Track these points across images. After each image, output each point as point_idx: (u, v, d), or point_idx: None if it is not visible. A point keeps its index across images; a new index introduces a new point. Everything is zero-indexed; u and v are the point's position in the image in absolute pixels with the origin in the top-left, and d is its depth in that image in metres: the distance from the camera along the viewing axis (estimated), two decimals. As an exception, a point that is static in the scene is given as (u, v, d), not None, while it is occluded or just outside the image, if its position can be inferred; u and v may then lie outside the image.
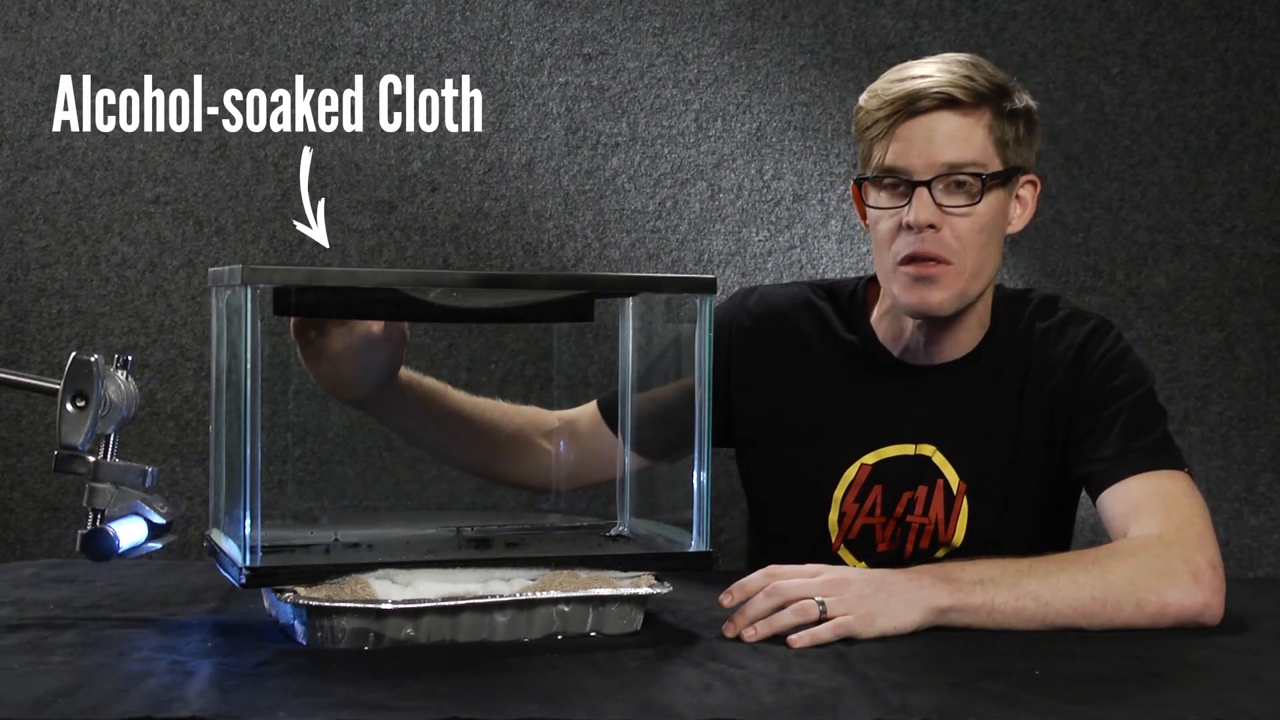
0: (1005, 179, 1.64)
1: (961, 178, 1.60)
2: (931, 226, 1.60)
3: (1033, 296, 1.76)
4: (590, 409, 1.75)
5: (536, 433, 1.73)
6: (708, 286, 1.46)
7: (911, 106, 1.61)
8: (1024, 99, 1.67)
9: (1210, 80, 2.42)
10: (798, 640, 1.32)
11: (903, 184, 1.62)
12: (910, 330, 1.72)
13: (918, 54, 2.38)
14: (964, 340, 1.72)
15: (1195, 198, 2.42)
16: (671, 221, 2.40)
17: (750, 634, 1.34)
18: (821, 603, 1.34)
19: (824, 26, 2.41)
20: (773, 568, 1.39)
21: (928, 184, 1.60)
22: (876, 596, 1.35)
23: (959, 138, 1.61)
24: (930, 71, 1.63)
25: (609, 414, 1.70)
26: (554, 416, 1.76)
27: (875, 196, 1.65)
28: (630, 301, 1.59)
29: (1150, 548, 1.47)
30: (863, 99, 1.67)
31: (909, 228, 1.61)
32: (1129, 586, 1.41)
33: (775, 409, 1.78)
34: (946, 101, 1.60)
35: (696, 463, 1.47)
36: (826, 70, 2.40)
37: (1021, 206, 1.69)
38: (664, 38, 2.41)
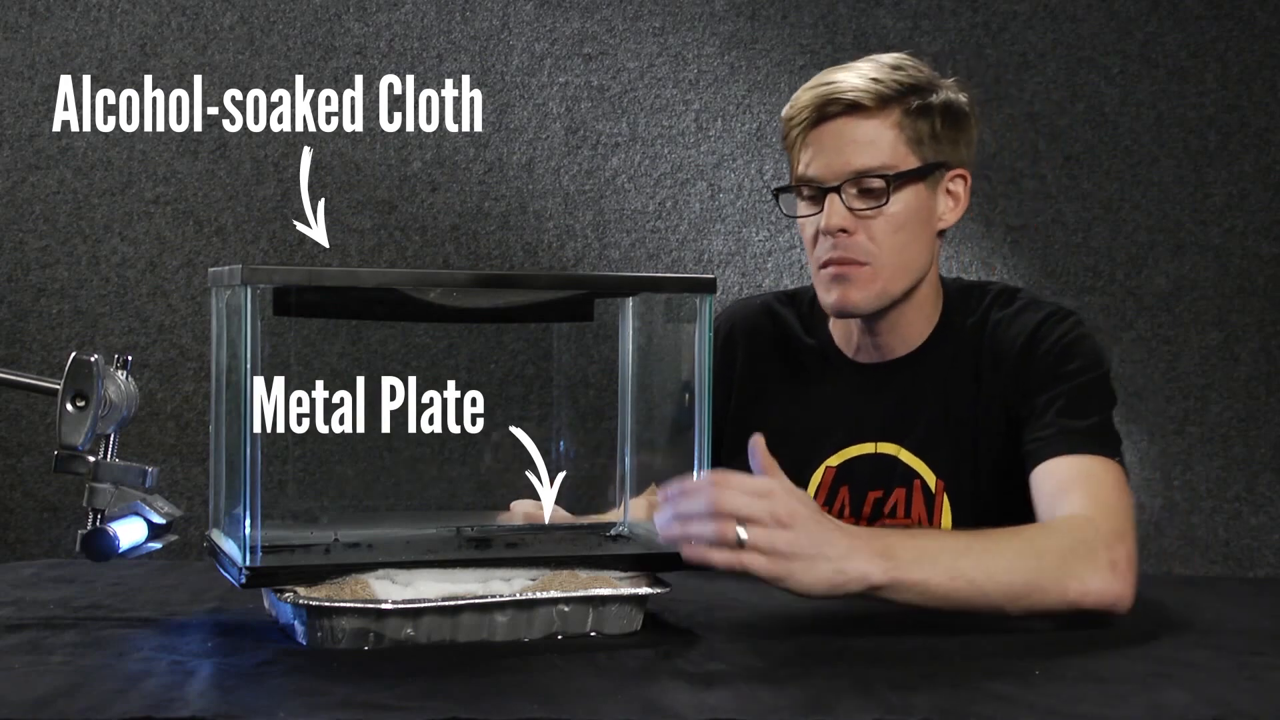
0: (922, 176, 1.66)
1: (868, 183, 1.63)
2: (844, 231, 1.64)
3: (991, 288, 1.75)
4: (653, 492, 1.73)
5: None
6: (708, 286, 1.46)
7: (821, 113, 1.65)
8: (944, 94, 1.68)
9: (1210, 80, 2.42)
10: (692, 553, 1.28)
11: (816, 191, 1.66)
12: (856, 330, 1.75)
13: (917, 54, 2.38)
14: (910, 335, 1.73)
15: (1195, 198, 2.42)
16: (671, 221, 2.40)
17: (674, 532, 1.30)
18: (740, 533, 1.27)
19: (824, 26, 2.41)
20: (725, 475, 1.32)
21: (837, 189, 1.64)
22: (806, 553, 1.28)
23: (865, 141, 1.63)
24: (838, 77, 1.66)
25: None
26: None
27: (797, 205, 1.69)
28: (630, 301, 1.59)
29: (1078, 530, 1.45)
30: (785, 109, 1.71)
31: (826, 233, 1.65)
32: (1057, 573, 1.39)
33: (746, 419, 1.78)
34: (851, 106, 1.63)
35: (696, 463, 1.47)
36: (826, 70, 2.40)
37: (954, 200, 1.70)
38: (664, 38, 2.41)
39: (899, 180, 1.63)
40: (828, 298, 1.68)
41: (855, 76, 1.65)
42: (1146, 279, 2.42)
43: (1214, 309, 2.41)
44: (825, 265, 1.66)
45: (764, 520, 1.29)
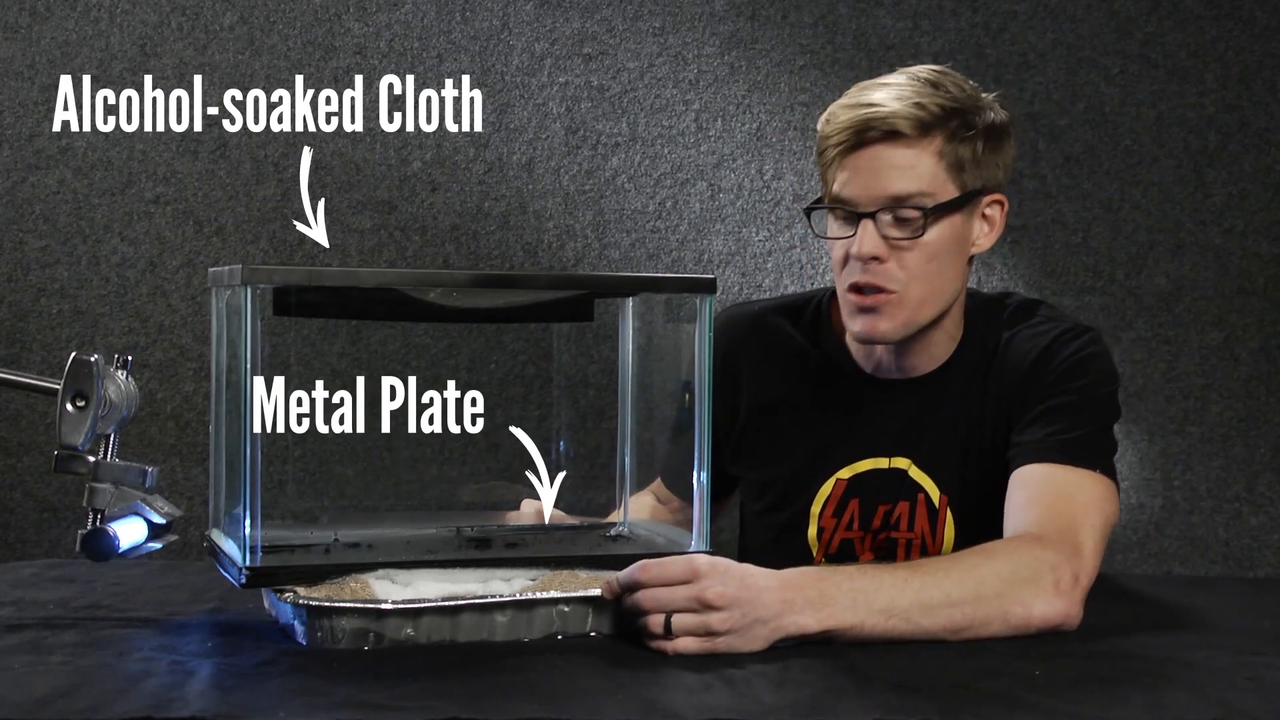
0: (960, 205, 1.61)
1: (905, 212, 1.59)
2: (876, 259, 1.59)
3: (1009, 302, 1.73)
4: (658, 487, 1.74)
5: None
6: (708, 286, 1.46)
7: (859, 137, 1.59)
8: (986, 116, 1.63)
9: (1210, 80, 2.42)
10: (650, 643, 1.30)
11: (849, 214, 1.61)
12: (880, 349, 1.72)
13: (917, 54, 2.39)
14: (935, 354, 1.70)
15: (1195, 198, 2.42)
16: (671, 221, 2.40)
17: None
18: (668, 622, 1.29)
19: (824, 26, 2.41)
20: (643, 564, 1.33)
21: (873, 215, 1.59)
22: (739, 626, 1.29)
23: (904, 168, 1.58)
24: (881, 99, 1.60)
25: (670, 484, 1.70)
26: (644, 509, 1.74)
27: (829, 224, 1.64)
28: (630, 301, 1.59)
29: (1021, 552, 1.43)
30: (820, 122, 1.65)
31: (857, 259, 1.60)
32: (998, 600, 1.37)
33: (756, 428, 1.78)
34: (892, 133, 1.58)
35: (696, 463, 1.47)
36: (826, 70, 2.40)
37: (989, 225, 1.66)
38: (664, 38, 2.41)
39: (936, 212, 1.59)
40: (854, 325, 1.64)
41: (895, 99, 1.58)
42: (1146, 279, 2.42)
43: (1214, 309, 2.41)
44: (853, 291, 1.62)
45: (689, 606, 1.29)
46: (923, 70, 1.64)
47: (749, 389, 1.78)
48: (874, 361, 1.73)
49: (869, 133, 1.58)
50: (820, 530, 1.73)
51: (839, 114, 1.62)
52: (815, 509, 1.73)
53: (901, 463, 1.70)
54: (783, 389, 1.77)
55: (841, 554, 1.72)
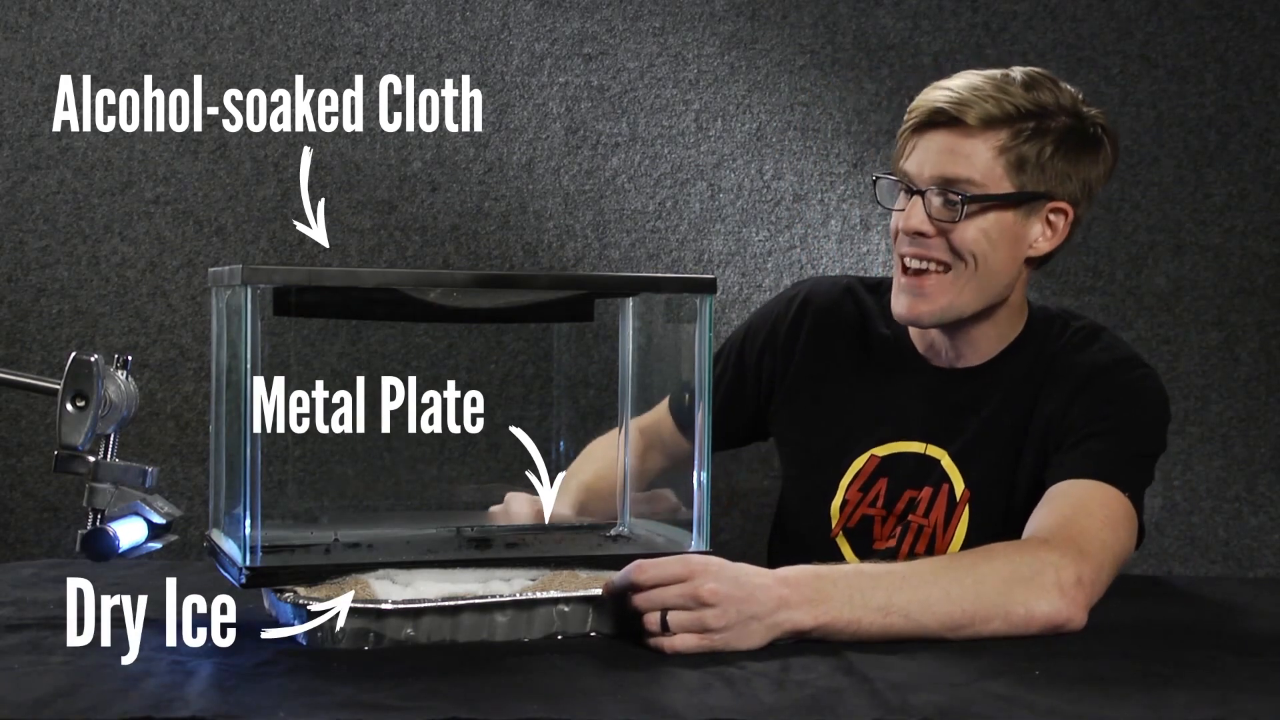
0: (1012, 202, 1.65)
1: (951, 195, 1.65)
2: (920, 234, 1.66)
3: (1075, 322, 1.76)
4: (663, 412, 1.75)
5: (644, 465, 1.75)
6: (708, 286, 1.46)
7: (928, 119, 1.67)
8: (1070, 124, 1.67)
9: (1210, 80, 2.42)
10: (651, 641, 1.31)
11: (907, 189, 1.68)
12: (933, 332, 1.76)
13: (917, 54, 2.39)
14: (983, 348, 1.74)
15: (1195, 198, 2.42)
16: (671, 221, 2.40)
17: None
18: (664, 620, 1.30)
19: (824, 26, 2.41)
20: (639, 564, 1.34)
21: (923, 193, 1.66)
22: (734, 622, 1.30)
23: (959, 155, 1.65)
24: (960, 87, 1.66)
25: (678, 416, 1.72)
26: (634, 433, 1.77)
27: (893, 196, 1.72)
28: (630, 301, 1.59)
29: (1023, 553, 1.45)
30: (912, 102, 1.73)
31: (904, 232, 1.68)
32: (998, 599, 1.38)
33: (802, 389, 1.81)
34: (955, 120, 1.65)
35: (696, 463, 1.47)
36: (826, 70, 2.40)
37: (1052, 230, 1.69)
38: (664, 38, 2.41)
39: (975, 201, 1.64)
40: (897, 305, 1.71)
41: (972, 91, 1.65)
42: (1146, 279, 2.42)
43: (1214, 309, 2.41)
44: (904, 271, 1.69)
45: (685, 604, 1.31)
46: (1019, 71, 1.69)
47: (806, 351, 1.83)
48: (925, 343, 1.78)
49: (938, 117, 1.66)
50: (844, 503, 1.75)
51: (925, 94, 1.69)
52: (845, 480, 1.76)
53: (936, 451, 1.73)
54: (840, 357, 1.82)
55: (860, 530, 1.75)
